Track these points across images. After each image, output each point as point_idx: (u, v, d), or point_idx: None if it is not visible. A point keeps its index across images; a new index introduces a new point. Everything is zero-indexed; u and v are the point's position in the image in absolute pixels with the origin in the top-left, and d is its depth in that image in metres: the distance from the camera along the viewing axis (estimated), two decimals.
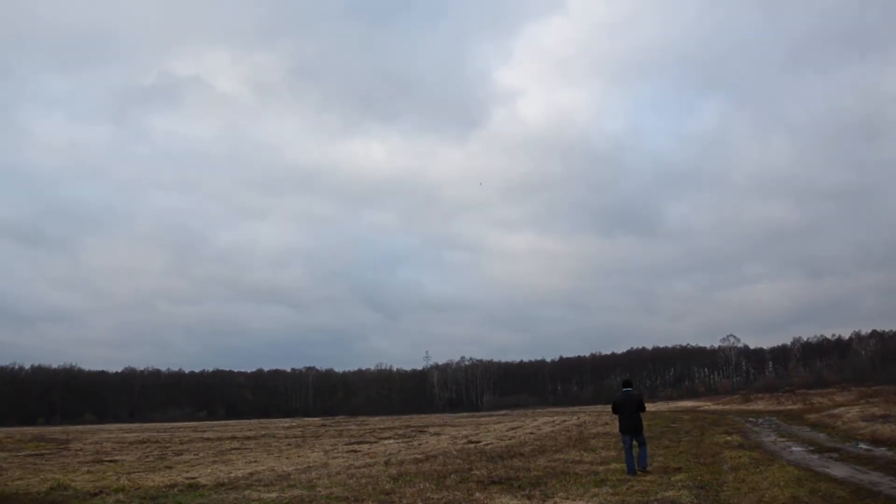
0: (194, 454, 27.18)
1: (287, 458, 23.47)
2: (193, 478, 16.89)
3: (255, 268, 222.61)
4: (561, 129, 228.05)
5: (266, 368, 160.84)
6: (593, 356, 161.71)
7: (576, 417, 46.85)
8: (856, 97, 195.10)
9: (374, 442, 31.24)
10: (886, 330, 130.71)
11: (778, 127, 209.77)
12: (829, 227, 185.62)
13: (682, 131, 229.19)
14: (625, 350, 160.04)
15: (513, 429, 37.36)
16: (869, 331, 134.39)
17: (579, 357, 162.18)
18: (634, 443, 15.23)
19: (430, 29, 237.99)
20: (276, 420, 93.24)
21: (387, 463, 19.54)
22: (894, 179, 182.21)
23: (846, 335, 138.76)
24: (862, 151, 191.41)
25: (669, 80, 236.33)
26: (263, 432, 47.03)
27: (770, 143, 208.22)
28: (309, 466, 19.56)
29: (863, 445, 19.93)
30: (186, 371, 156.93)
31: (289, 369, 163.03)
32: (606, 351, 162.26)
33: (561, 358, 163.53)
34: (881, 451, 18.17)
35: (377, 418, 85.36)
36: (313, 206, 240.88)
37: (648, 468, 15.13)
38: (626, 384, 16.33)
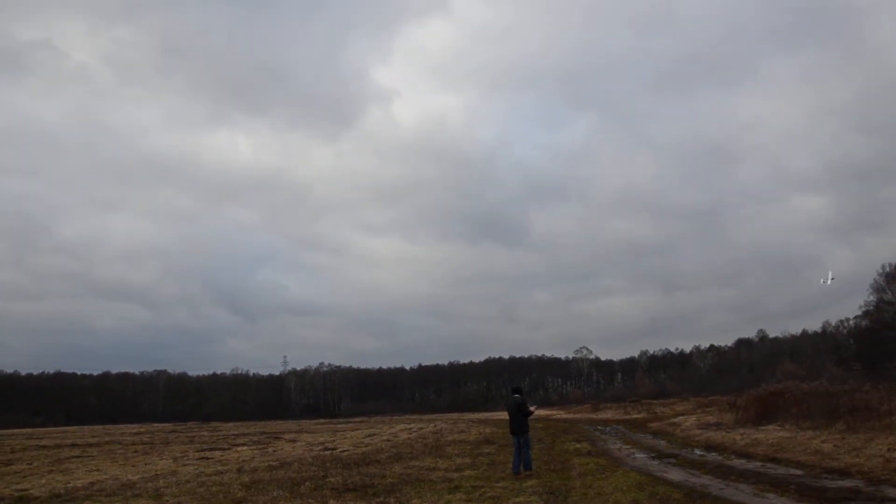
0: (27, 463, 25.01)
1: (133, 466, 22.14)
2: (25, 490, 15.61)
3: (104, 262, 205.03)
4: (434, 133, 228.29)
5: (113, 371, 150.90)
6: (451, 364, 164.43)
7: (433, 425, 47.23)
8: (713, 122, 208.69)
9: (227, 449, 30.18)
10: (722, 344, 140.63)
11: (642, 146, 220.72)
12: (683, 245, 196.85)
13: (553, 144, 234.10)
14: (483, 359, 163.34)
15: (370, 436, 37.18)
16: (707, 345, 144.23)
17: (438, 365, 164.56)
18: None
19: (307, 21, 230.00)
20: (122, 426, 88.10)
21: (239, 470, 18.90)
22: (743, 203, 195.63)
23: (688, 349, 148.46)
24: (716, 174, 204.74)
25: (544, 93, 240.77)
26: (108, 439, 44.26)
27: (634, 161, 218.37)
28: (156, 474, 18.58)
29: (697, 451, 21.32)
30: (23, 373, 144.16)
31: (138, 372, 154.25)
32: (465, 359, 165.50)
33: (420, 365, 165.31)
34: (713, 455, 19.53)
35: (231, 424, 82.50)
36: (172, 199, 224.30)
37: (532, 469, 16.19)
38: (514, 391, 17.68)
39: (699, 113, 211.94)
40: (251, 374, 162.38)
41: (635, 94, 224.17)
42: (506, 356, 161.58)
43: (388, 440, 32.60)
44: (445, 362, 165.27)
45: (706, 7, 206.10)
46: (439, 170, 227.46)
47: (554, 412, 76.05)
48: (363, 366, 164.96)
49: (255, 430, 57.05)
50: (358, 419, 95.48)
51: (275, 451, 28.20)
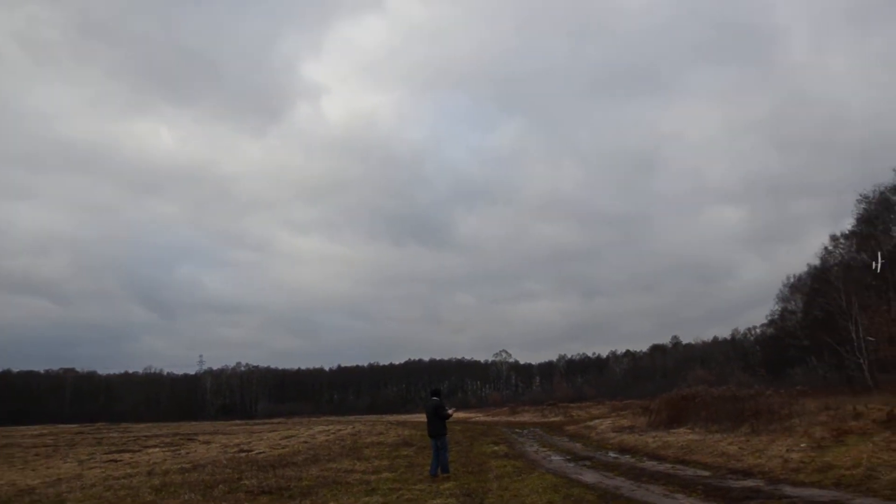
0: None
1: (33, 471, 21.04)
2: None
3: (8, 253, 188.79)
4: (363, 132, 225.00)
5: (15, 369, 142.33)
6: (371, 366, 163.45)
7: (351, 427, 46.89)
8: (639, 133, 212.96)
9: (138, 451, 29.21)
10: (638, 350, 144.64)
11: (570, 152, 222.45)
12: (605, 252, 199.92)
13: (482, 147, 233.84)
14: (403, 361, 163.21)
15: (287, 437, 36.66)
16: (624, 350, 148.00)
17: (358, 366, 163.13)
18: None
19: (239, 11, 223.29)
20: (23, 428, 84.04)
21: (150, 473, 18.32)
22: (664, 212, 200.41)
23: (605, 354, 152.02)
24: (639, 184, 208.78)
25: (476, 95, 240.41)
26: (6, 441, 42.18)
27: (561, 167, 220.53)
28: (59, 479, 17.81)
29: (611, 454, 21.87)
30: None
31: (43, 370, 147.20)
32: (385, 361, 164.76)
33: (339, 366, 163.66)
34: (626, 458, 20.07)
35: (142, 425, 79.89)
36: (87, 189, 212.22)
37: (449, 471, 16.25)
38: (433, 393, 17.62)
39: (626, 122, 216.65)
40: (165, 373, 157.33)
41: (566, 101, 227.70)
42: (426, 358, 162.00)
43: (305, 442, 32.23)
44: (365, 363, 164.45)
45: (639, 20, 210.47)
46: (367, 169, 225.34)
47: (473, 415, 76.60)
48: (283, 366, 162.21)
49: (168, 431, 55.39)
50: (275, 420, 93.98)
51: (188, 452, 27.50)
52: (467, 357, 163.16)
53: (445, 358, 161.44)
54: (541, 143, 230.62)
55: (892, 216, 42.45)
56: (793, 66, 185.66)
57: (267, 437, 37.79)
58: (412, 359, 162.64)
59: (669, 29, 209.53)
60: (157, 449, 30.34)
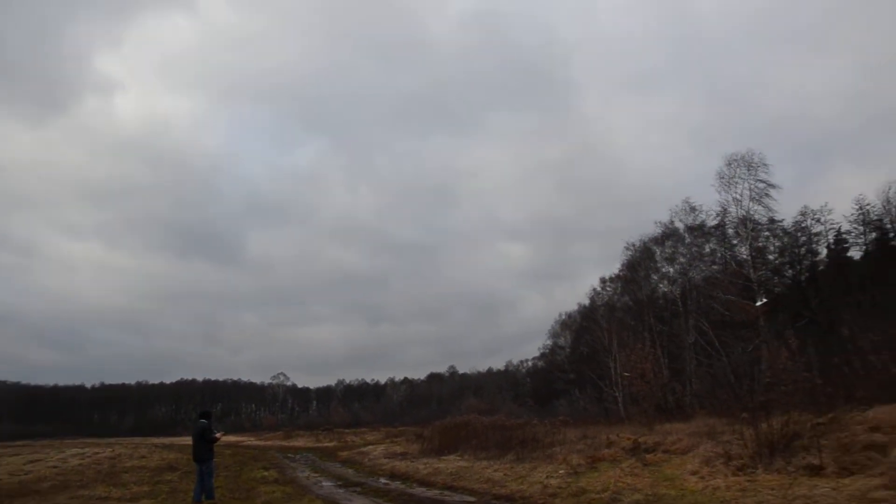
0: None
1: None
2: None
3: None
4: (156, 135, 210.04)
5: None
6: (139, 384, 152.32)
7: (111, 449, 43.36)
8: (440, 165, 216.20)
9: None
10: (416, 377, 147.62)
11: (368, 178, 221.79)
12: (394, 279, 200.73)
13: (280, 164, 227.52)
14: (175, 380, 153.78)
15: (32, 462, 33.04)
16: (402, 377, 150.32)
17: (124, 384, 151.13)
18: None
19: None
20: None
21: None
22: (456, 244, 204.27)
23: (384, 380, 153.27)
24: (435, 215, 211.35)
25: (279, 110, 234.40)
26: None
27: (358, 192, 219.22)
28: None
29: (383, 480, 21.95)
30: None
31: None
32: (155, 380, 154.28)
33: (103, 384, 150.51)
34: (396, 484, 20.24)
35: None
36: None
37: (214, 497, 15.69)
38: (202, 415, 16.84)
39: (428, 154, 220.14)
40: None
41: (370, 127, 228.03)
42: (200, 378, 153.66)
43: (54, 467, 29.17)
44: (133, 382, 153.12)
45: (449, 53, 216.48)
46: (157, 175, 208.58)
47: (245, 438, 73.92)
48: (36, 381, 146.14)
49: None
50: (20, 443, 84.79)
51: None
52: (245, 378, 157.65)
53: (221, 378, 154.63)
54: (341, 167, 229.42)
55: (653, 264, 46.91)
56: (585, 118, 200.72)
57: (7, 462, 33.87)
58: (185, 378, 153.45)
59: (477, 69, 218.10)
60: None
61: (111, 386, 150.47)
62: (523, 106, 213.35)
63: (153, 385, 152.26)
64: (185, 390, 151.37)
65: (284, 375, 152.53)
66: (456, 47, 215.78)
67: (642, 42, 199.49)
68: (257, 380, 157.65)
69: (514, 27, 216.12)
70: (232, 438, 62.82)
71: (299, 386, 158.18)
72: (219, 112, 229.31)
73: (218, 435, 16.52)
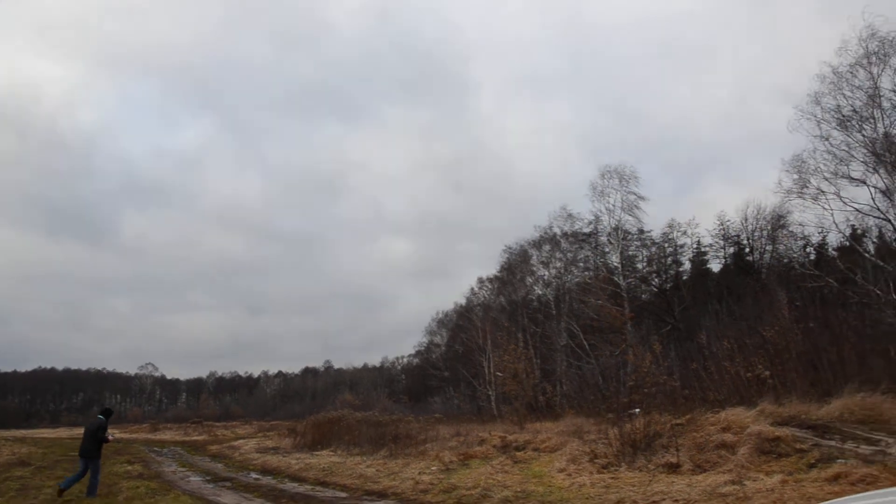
0: None
1: None
2: None
3: None
4: (26, 103, 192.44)
5: None
6: None
7: None
8: (328, 155, 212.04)
9: None
10: (290, 371, 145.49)
11: (256, 163, 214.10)
12: (276, 270, 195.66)
13: (164, 144, 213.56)
14: (31, 369, 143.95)
15: None
16: (276, 371, 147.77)
17: None
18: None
19: None
20: None
21: None
22: (341, 237, 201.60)
23: (257, 373, 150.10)
24: (321, 205, 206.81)
25: (165, 86, 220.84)
26: None
27: (244, 177, 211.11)
28: None
29: (254, 475, 21.56)
30: None
31: None
32: (8, 368, 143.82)
33: None
34: (267, 479, 19.93)
35: None
36: None
37: (95, 495, 15.11)
38: (102, 412, 16.79)
39: (317, 143, 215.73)
40: None
41: (260, 110, 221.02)
42: (59, 367, 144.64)
43: None
44: None
45: (347, 42, 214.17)
46: (24, 146, 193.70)
47: (109, 431, 70.68)
48: None
49: None
50: None
51: None
52: (110, 368, 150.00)
53: (83, 368, 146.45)
54: (228, 149, 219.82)
55: (528, 267, 48.18)
56: (479, 118, 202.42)
57: None
58: (43, 366, 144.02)
59: (373, 60, 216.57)
60: None
61: None
62: (418, 100, 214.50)
63: (6, 373, 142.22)
64: (42, 379, 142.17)
65: (153, 366, 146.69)
66: (353, 33, 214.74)
67: (541, 47, 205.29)
68: (124, 370, 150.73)
69: (415, 19, 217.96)
70: None
71: (168, 377, 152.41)
72: (99, 83, 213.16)
73: (109, 437, 16.25)
